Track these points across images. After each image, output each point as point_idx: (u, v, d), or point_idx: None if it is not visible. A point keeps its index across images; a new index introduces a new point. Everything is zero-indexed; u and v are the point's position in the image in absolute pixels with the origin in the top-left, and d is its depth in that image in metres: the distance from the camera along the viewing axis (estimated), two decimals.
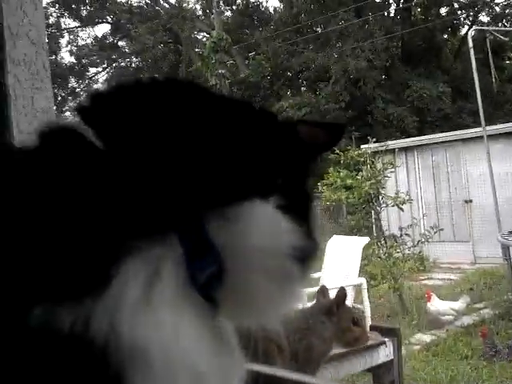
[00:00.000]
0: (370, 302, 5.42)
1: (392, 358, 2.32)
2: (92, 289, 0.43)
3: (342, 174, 7.14)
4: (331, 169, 7.35)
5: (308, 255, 0.54)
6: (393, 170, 7.25)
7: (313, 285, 5.80)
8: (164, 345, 0.45)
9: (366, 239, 5.80)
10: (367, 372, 2.59)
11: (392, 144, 9.21)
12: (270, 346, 1.52)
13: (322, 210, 8.42)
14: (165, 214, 0.48)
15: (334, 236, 6.03)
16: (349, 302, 5.26)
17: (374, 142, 7.63)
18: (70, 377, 0.42)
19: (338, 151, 7.32)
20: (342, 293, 1.81)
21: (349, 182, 7.02)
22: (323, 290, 1.88)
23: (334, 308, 1.75)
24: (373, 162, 7.30)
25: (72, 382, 0.42)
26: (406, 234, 6.77)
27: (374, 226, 8.28)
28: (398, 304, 6.44)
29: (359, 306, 5.27)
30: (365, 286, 5.33)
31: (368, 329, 2.39)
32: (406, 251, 6.81)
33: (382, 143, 8.27)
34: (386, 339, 2.31)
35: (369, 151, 7.47)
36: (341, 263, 5.56)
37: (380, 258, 6.59)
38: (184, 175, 0.49)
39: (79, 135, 0.49)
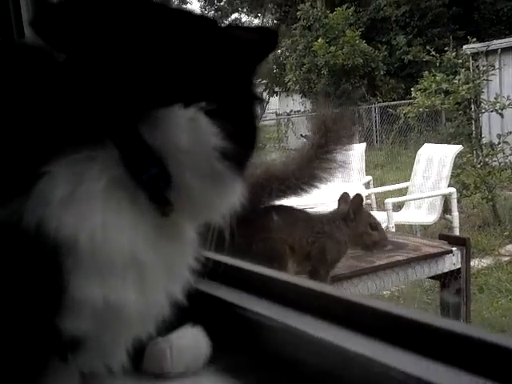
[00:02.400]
0: (461, 213, 5.29)
1: (459, 266, 2.33)
2: (22, 187, 0.51)
3: (437, 77, 6.74)
4: (426, 72, 6.95)
5: (239, 158, 0.59)
6: (494, 72, 6.72)
7: (402, 194, 5.71)
8: (91, 234, 0.53)
9: (457, 147, 5.56)
10: (434, 280, 2.63)
11: (496, 44, 8.44)
12: (282, 247, 1.62)
13: (416, 117, 8.06)
14: (98, 115, 0.54)
15: (425, 144, 5.84)
16: (437, 212, 5.21)
17: (474, 42, 7.05)
18: (8, 261, 0.52)
19: (433, 53, 6.86)
20: (358, 198, 1.88)
21: (444, 86, 6.63)
22: (345, 197, 1.92)
23: (350, 213, 1.83)
24: (474, 64, 6.80)
25: (9, 264, 0.52)
26: (505, 142, 6.38)
27: (473, 134, 7.85)
28: (490, 215, 6.23)
29: (448, 216, 5.18)
30: (454, 195, 5.19)
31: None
32: (504, 160, 6.45)
33: (484, 43, 7.61)
34: (454, 248, 2.32)
35: (468, 52, 6.93)
36: (431, 172, 5.43)
37: (474, 167, 6.31)
38: (117, 77, 0.55)
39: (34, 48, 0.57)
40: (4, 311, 0.53)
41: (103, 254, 0.54)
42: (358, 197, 1.89)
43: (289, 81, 13.87)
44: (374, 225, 1.90)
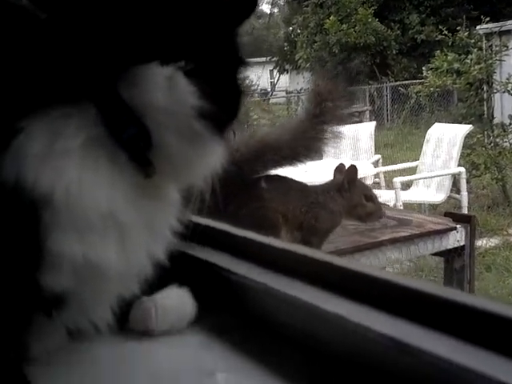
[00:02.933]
0: (470, 193, 5.26)
1: (463, 243, 2.32)
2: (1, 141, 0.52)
3: (449, 57, 6.64)
4: (438, 52, 6.85)
5: (218, 119, 0.58)
6: (507, 53, 6.60)
7: (410, 173, 5.68)
8: (66, 189, 0.53)
9: (467, 127, 5.50)
10: (439, 257, 2.63)
11: (510, 24, 8.28)
12: (275, 216, 1.62)
13: (428, 97, 7.97)
14: (76, 72, 0.54)
15: (436, 124, 5.79)
16: (446, 191, 5.19)
17: (488, 22, 6.92)
18: None
19: (446, 32, 6.75)
20: (352, 169, 1.87)
21: (456, 65, 6.53)
22: (340, 168, 1.91)
23: (345, 184, 1.82)
24: (486, 44, 6.68)
25: None
26: None
27: (485, 114, 7.75)
28: (500, 195, 6.18)
29: (456, 195, 5.16)
30: (464, 175, 5.15)
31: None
32: None
33: (498, 23, 7.47)
34: (458, 225, 2.31)
35: (481, 32, 6.81)
36: (440, 152, 5.39)
37: (485, 147, 6.25)
38: (94, 34, 0.55)
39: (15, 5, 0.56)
40: None
41: (79, 210, 0.54)
42: (353, 167, 1.88)
43: (299, 58, 13.74)
44: (369, 196, 1.89)
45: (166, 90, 0.55)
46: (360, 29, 12.16)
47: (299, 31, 14.37)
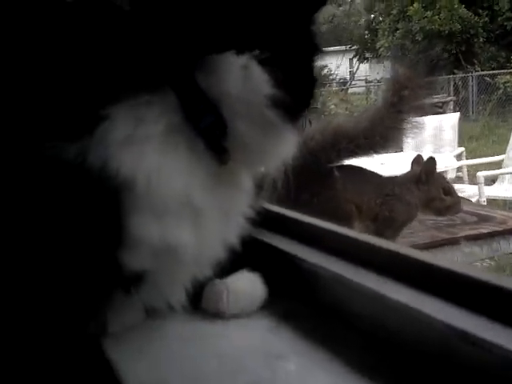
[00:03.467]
0: None
1: None
2: (85, 129, 0.54)
3: None
4: None
5: (291, 107, 0.59)
6: None
7: (496, 167, 5.42)
8: (147, 175, 0.55)
9: None
10: None
11: None
12: (348, 206, 1.59)
13: None
14: (157, 61, 0.56)
15: None
16: None
17: None
18: (74, 194, 0.55)
19: None
20: (431, 161, 1.81)
21: None
22: (418, 160, 1.84)
23: (422, 176, 1.76)
24: None
25: (75, 197, 0.55)
26: None
27: None
28: None
29: None
30: None
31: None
32: None
33: None
34: None
35: None
36: None
37: None
38: (174, 23, 0.56)
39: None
40: (71, 245, 0.57)
41: (158, 195, 0.56)
42: (432, 160, 1.83)
43: (381, 47, 13.39)
44: (448, 189, 1.82)
45: (241, 79, 0.57)
46: (445, 16, 11.64)
47: (381, 19, 13.98)
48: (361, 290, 0.60)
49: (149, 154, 0.56)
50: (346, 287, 0.63)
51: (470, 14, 12.06)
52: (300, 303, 0.70)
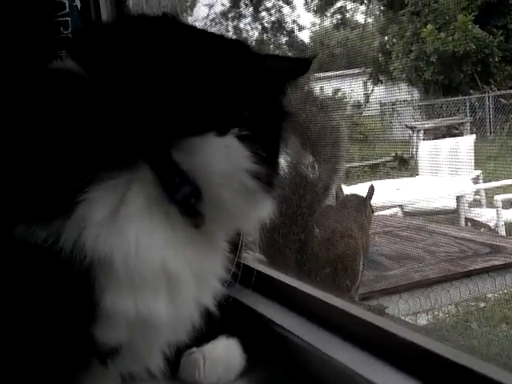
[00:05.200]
0: None
1: None
2: (60, 212, 0.55)
3: None
4: None
5: (269, 178, 0.61)
6: None
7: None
8: (125, 252, 0.55)
9: None
10: None
11: None
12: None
13: None
14: (134, 142, 0.57)
15: None
16: None
17: None
18: (43, 277, 0.55)
19: None
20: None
21: None
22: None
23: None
24: None
25: (44, 280, 0.55)
26: None
27: None
28: None
29: None
30: None
31: None
32: None
33: None
34: None
35: None
36: None
37: None
38: (150, 106, 0.57)
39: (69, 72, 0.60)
40: (42, 322, 0.58)
41: (136, 270, 0.57)
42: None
43: (394, 69, 13.38)
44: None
45: (223, 157, 0.58)
46: (459, 36, 11.64)
47: (394, 41, 14.04)
48: (329, 361, 0.59)
49: (128, 231, 0.56)
50: (316, 357, 0.62)
51: (485, 33, 12.03)
52: (278, 369, 0.70)
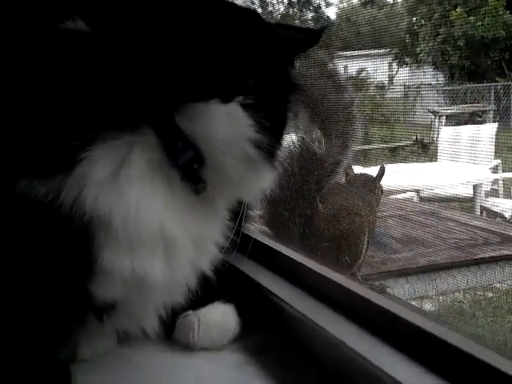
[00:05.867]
0: None
1: None
2: (62, 168, 0.55)
3: None
4: None
5: (271, 148, 0.60)
6: None
7: None
8: (125, 213, 0.56)
9: None
10: None
11: None
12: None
13: None
14: (138, 104, 0.56)
15: None
16: None
17: None
18: (43, 231, 0.56)
19: None
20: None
21: None
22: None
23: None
24: None
25: (44, 234, 0.56)
26: None
27: None
28: None
29: None
30: None
31: None
32: None
33: None
34: None
35: None
36: None
37: None
38: (156, 68, 0.56)
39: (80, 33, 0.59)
40: (41, 274, 0.59)
41: (134, 231, 0.57)
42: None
43: (421, 51, 13.14)
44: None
45: (226, 124, 0.58)
46: (489, 22, 11.36)
47: (423, 22, 13.75)
48: (322, 333, 0.60)
49: (128, 192, 0.57)
50: (309, 328, 0.62)
51: None
52: (271, 337, 0.70)
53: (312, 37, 0.63)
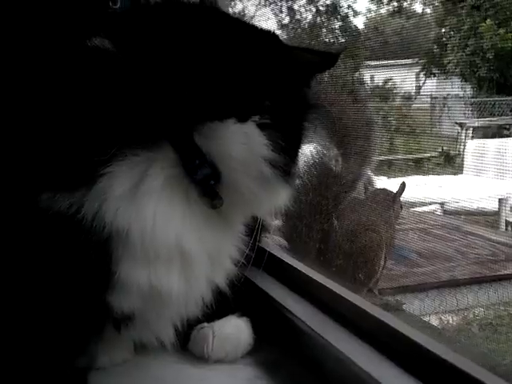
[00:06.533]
0: None
1: None
2: (84, 182, 0.57)
3: None
4: None
5: (286, 167, 0.61)
6: None
7: None
8: (143, 226, 0.58)
9: None
10: None
11: None
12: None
13: None
14: (158, 122, 0.58)
15: None
16: None
17: None
18: (64, 244, 0.58)
19: None
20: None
21: None
22: None
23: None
24: None
25: (65, 247, 0.58)
26: None
27: None
28: None
29: None
30: None
31: None
32: None
33: None
34: None
35: None
36: None
37: None
38: (177, 88, 0.58)
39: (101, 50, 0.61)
40: (62, 286, 0.60)
41: (151, 244, 0.59)
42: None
43: (449, 62, 13.00)
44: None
45: (242, 144, 0.59)
46: None
47: (452, 33, 13.61)
48: (333, 351, 0.61)
49: (147, 207, 0.58)
50: (320, 345, 0.63)
51: None
52: (285, 353, 0.71)
53: (328, 60, 0.64)
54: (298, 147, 0.65)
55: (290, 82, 0.62)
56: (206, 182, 0.61)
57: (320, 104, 0.70)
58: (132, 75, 0.59)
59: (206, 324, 0.72)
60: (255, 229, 0.70)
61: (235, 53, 0.61)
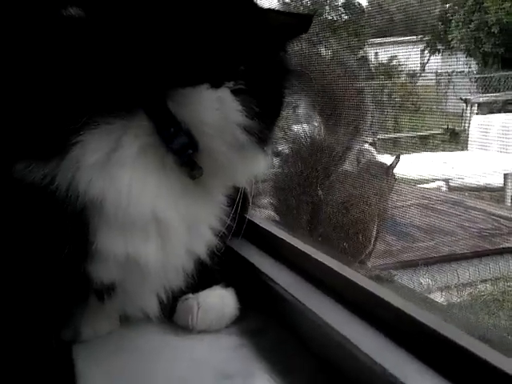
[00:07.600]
0: None
1: None
2: (56, 152, 0.56)
3: None
4: None
5: (261, 133, 0.60)
6: None
7: None
8: (117, 196, 0.57)
9: None
10: None
11: None
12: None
13: None
14: (130, 89, 0.57)
15: None
16: None
17: None
18: (40, 215, 0.57)
19: None
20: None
21: None
22: None
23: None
24: None
25: (41, 218, 0.57)
26: None
27: None
28: None
29: None
30: None
31: None
32: None
33: None
34: None
35: None
36: None
37: None
38: (150, 54, 0.57)
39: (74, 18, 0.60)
40: (40, 257, 0.60)
41: (127, 213, 0.58)
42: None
43: (453, 38, 12.84)
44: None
45: (216, 109, 0.58)
46: None
47: (456, 8, 13.42)
48: (315, 319, 0.60)
49: (120, 176, 0.58)
50: (305, 314, 0.63)
51: None
52: (268, 322, 0.71)
53: (303, 22, 0.63)
54: (276, 114, 0.64)
55: (264, 46, 0.61)
56: (183, 152, 0.60)
57: (300, 70, 0.68)
58: (103, 42, 0.58)
59: (190, 295, 0.72)
60: (237, 199, 0.69)
61: (207, 16, 0.59)
